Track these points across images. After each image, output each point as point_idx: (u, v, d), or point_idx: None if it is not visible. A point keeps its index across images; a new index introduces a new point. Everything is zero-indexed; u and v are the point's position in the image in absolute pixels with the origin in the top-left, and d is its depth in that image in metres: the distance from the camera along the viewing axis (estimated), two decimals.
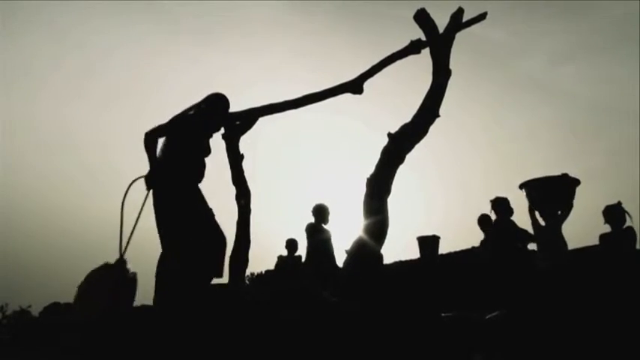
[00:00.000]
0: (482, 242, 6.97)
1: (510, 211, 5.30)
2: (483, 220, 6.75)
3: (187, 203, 3.45)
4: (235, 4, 31.98)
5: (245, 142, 4.59)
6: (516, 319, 3.72)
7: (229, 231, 4.39)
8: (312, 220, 6.04)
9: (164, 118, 3.66)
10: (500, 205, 5.32)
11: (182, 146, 3.52)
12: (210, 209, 3.60)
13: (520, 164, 30.54)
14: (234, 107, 4.54)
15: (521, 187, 5.19)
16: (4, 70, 27.68)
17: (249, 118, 4.52)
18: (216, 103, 3.80)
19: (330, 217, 6.06)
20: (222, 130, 4.51)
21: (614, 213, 4.77)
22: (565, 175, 5.00)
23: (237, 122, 4.52)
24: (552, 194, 4.98)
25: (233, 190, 4.47)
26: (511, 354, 3.50)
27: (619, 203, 4.81)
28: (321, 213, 6.00)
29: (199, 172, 3.63)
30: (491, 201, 5.40)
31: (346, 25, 33.84)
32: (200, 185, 3.65)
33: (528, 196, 5.14)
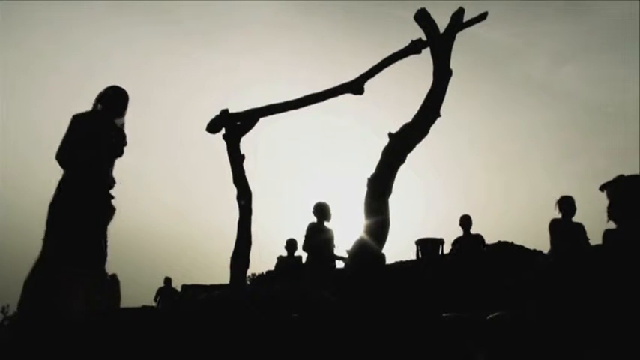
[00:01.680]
0: (455, 240, 7.06)
1: (574, 211, 5.17)
2: (465, 220, 6.89)
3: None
4: (235, 4, 32.03)
5: (246, 143, 4.60)
6: (524, 319, 3.70)
7: (230, 231, 4.43)
8: (312, 219, 6.03)
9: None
10: (566, 204, 5.19)
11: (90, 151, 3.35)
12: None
13: (520, 164, 30.56)
14: (233, 107, 4.58)
15: (601, 188, 5.06)
16: (4, 70, 27.73)
17: (250, 118, 4.52)
18: (114, 98, 3.54)
19: (333, 214, 6.01)
20: (224, 131, 4.54)
21: None
22: (621, 177, 4.84)
23: (238, 123, 4.53)
24: (623, 197, 4.83)
25: (234, 190, 4.48)
26: (511, 354, 3.50)
27: None
28: (321, 211, 5.98)
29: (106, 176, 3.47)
30: (558, 200, 5.27)
31: (347, 25, 33.86)
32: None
33: (608, 197, 5.01)
